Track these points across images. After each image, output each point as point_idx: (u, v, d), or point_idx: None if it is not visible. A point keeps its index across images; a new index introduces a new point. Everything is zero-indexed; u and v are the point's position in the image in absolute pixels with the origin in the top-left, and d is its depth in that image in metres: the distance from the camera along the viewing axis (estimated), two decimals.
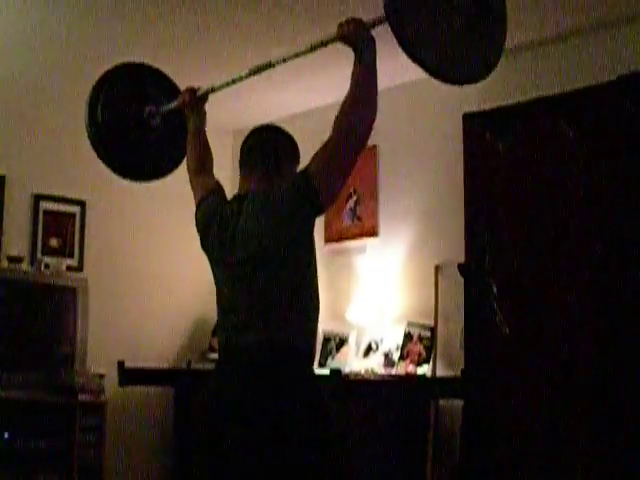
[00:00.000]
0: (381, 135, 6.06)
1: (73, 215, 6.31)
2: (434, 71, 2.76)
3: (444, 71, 2.79)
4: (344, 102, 2.79)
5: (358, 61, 2.81)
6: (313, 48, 3.04)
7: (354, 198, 6.11)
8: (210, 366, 6.11)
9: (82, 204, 6.32)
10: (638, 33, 4.76)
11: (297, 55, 3.07)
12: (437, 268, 5.45)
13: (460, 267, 5.07)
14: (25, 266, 5.96)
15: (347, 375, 5.25)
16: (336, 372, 4.89)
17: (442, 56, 2.73)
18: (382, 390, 5.16)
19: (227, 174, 7.15)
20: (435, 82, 5.86)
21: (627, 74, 4.63)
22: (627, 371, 4.49)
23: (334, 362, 5.73)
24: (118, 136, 3.62)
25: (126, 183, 6.76)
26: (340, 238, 6.15)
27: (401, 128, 5.93)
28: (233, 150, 7.07)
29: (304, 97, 6.25)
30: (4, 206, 6.02)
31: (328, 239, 6.19)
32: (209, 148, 3.48)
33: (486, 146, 5.18)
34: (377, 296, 5.74)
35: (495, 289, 4.96)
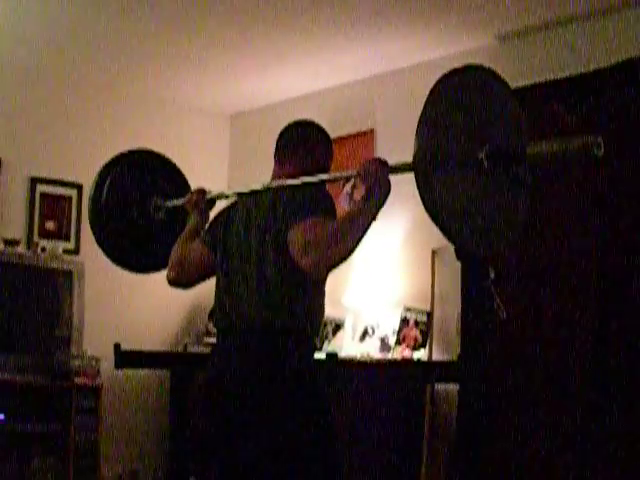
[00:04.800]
0: (379, 119, 6.07)
1: (70, 198, 6.30)
2: (452, 238, 2.70)
3: (461, 240, 2.71)
4: (330, 226, 2.68)
5: (365, 198, 2.75)
6: (334, 179, 2.99)
7: (351, 182, 6.07)
8: (206, 350, 6.12)
9: (79, 187, 6.31)
10: (637, 19, 4.75)
11: (310, 183, 2.93)
12: (434, 252, 5.46)
13: (457, 251, 5.06)
14: (21, 249, 5.95)
15: (343, 359, 5.25)
16: (332, 356, 4.89)
17: (465, 225, 2.65)
18: (378, 374, 5.16)
19: (224, 159, 7.17)
20: (433, 67, 5.85)
21: (627, 60, 4.62)
22: (624, 355, 4.50)
23: (330, 346, 5.74)
24: (117, 221, 3.58)
25: None
26: None
27: (399, 112, 5.92)
28: (230, 134, 7.06)
29: (301, 81, 6.23)
30: (0, 189, 6.02)
31: None
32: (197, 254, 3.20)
33: None
34: (373, 280, 5.74)
35: (492, 273, 4.96)
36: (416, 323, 5.43)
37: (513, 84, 5.07)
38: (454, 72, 2.67)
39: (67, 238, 6.26)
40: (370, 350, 5.54)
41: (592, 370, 4.59)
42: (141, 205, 3.60)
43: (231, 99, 6.65)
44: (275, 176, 3.04)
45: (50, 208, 6.22)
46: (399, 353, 5.41)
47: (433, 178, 2.55)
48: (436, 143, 2.56)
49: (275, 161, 3.07)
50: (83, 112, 6.44)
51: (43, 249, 5.96)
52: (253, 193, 3.03)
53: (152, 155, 3.78)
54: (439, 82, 2.63)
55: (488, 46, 5.38)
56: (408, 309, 5.50)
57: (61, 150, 6.32)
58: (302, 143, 3.04)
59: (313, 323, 2.87)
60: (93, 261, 6.09)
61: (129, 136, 6.57)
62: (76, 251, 6.25)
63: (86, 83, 6.38)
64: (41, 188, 6.20)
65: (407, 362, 5.31)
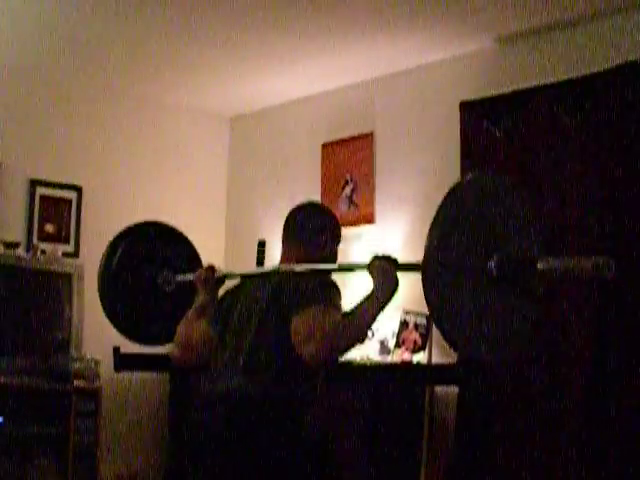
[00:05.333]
0: (378, 122, 6.07)
1: (69, 201, 6.30)
2: (454, 344, 2.69)
3: (464, 347, 2.70)
4: (333, 318, 2.73)
5: (374, 294, 2.80)
6: (343, 270, 3.00)
7: (350, 185, 6.10)
8: None
9: (78, 190, 6.31)
10: (637, 21, 4.75)
11: (320, 271, 2.96)
12: None
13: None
14: (21, 252, 5.95)
15: (343, 362, 5.25)
16: None
17: (469, 331, 2.63)
18: (378, 377, 5.16)
19: (224, 161, 7.16)
20: (432, 70, 5.84)
21: (626, 63, 4.62)
22: (624, 358, 4.50)
23: None
24: (127, 293, 3.59)
25: (123, 170, 6.72)
26: None
27: (398, 115, 5.93)
28: (230, 137, 7.05)
29: (301, 84, 6.23)
30: (0, 192, 6.01)
31: None
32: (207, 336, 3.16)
33: (483, 134, 5.18)
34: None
35: None
36: (415, 326, 5.42)
37: (513, 87, 5.12)
38: (471, 178, 2.67)
39: (66, 241, 6.25)
40: (370, 353, 5.53)
41: (592, 372, 4.59)
42: (151, 278, 3.59)
43: (231, 102, 6.64)
44: (282, 259, 3.05)
45: (49, 211, 6.22)
46: (398, 356, 5.41)
47: (440, 281, 2.55)
48: (446, 248, 2.56)
49: (282, 244, 3.08)
50: (82, 114, 6.44)
51: (42, 252, 5.96)
52: (261, 275, 3.05)
53: (163, 227, 3.74)
54: (455, 187, 2.63)
55: (488, 49, 5.38)
56: (408, 312, 5.49)
57: (61, 153, 6.32)
58: (309, 228, 3.04)
59: (301, 401, 2.82)
60: (92, 264, 6.04)
61: (129, 139, 6.57)
62: (75, 254, 6.24)
63: (85, 85, 6.38)
64: (40, 191, 6.20)
65: (406, 365, 5.31)
